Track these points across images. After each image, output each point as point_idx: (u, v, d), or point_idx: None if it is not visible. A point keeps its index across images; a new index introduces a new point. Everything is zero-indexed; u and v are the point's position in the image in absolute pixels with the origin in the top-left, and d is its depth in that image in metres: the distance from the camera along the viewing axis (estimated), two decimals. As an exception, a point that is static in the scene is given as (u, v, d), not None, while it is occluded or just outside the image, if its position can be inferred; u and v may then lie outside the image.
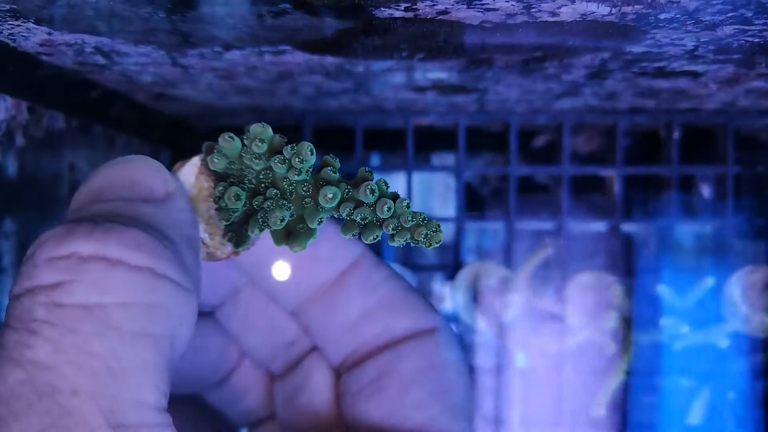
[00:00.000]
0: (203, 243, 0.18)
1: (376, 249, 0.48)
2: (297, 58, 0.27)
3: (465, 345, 0.43)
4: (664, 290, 0.40)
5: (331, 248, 0.20)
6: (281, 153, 0.18)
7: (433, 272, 0.47)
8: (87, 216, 0.15)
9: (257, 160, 0.18)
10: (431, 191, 0.50)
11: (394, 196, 0.18)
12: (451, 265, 0.42)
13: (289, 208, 0.18)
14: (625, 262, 0.42)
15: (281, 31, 0.23)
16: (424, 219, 0.18)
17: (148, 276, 0.14)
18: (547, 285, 0.41)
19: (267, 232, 0.18)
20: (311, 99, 0.38)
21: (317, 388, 0.21)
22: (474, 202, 0.49)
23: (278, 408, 0.22)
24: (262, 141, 0.18)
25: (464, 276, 0.41)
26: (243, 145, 0.18)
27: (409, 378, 0.19)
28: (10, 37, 0.25)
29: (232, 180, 0.18)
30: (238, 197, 0.18)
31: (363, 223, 0.18)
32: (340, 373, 0.21)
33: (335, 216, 0.18)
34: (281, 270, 0.21)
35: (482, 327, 0.41)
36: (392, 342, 0.20)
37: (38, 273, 0.14)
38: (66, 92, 0.31)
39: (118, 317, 0.14)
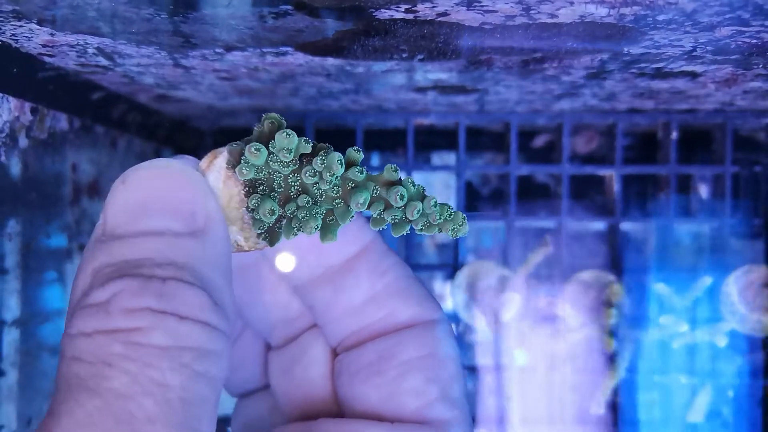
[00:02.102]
0: (237, 244, 0.19)
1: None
2: (298, 59, 0.27)
3: (465, 344, 0.43)
4: (662, 289, 0.41)
5: (344, 232, 0.21)
6: (310, 163, 0.18)
7: (433, 271, 0.48)
8: (142, 260, 0.16)
9: (285, 168, 0.18)
10: (432, 190, 0.50)
11: (422, 196, 0.18)
12: (450, 265, 0.43)
13: (321, 213, 0.18)
14: (624, 261, 0.42)
15: (282, 32, 0.24)
16: (450, 215, 0.18)
17: (207, 329, 0.16)
18: (547, 284, 0.41)
19: None
20: (312, 100, 0.38)
21: (314, 361, 0.22)
22: (474, 201, 0.49)
23: (272, 378, 0.23)
24: (289, 151, 0.18)
25: (464, 275, 0.41)
26: (269, 152, 0.18)
27: (409, 364, 0.20)
28: (12, 38, 0.25)
29: (262, 189, 0.18)
30: (272, 212, 0.18)
31: (394, 221, 0.18)
32: (337, 352, 0.21)
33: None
34: (293, 248, 0.21)
35: (482, 326, 0.41)
36: (394, 328, 0.21)
37: (114, 319, 0.15)
38: (69, 93, 0.31)
39: (187, 358, 0.15)
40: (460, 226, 0.18)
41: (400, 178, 0.19)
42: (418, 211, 0.18)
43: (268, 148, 0.18)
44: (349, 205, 0.18)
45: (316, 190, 0.18)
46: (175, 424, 0.15)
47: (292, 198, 0.18)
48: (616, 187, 0.42)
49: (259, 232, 0.18)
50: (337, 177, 0.18)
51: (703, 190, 0.44)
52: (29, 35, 0.24)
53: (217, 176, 0.18)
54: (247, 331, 0.24)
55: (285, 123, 0.19)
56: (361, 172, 0.18)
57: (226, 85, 0.33)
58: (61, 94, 0.31)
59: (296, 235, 0.18)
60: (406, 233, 0.19)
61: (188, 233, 0.17)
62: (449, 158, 0.49)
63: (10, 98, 0.27)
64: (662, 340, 0.41)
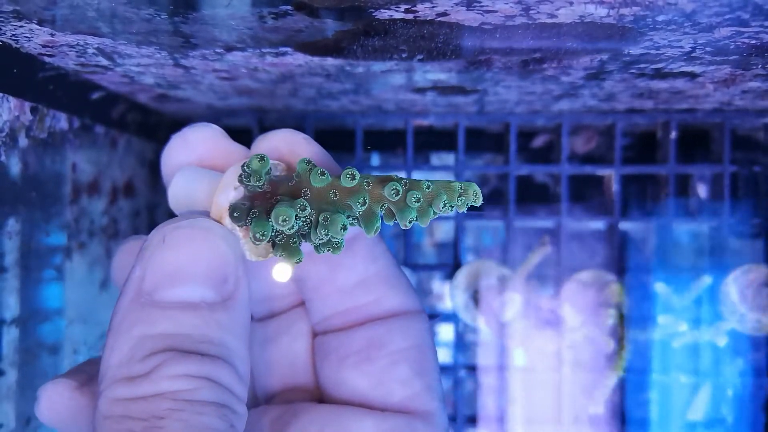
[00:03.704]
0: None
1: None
2: (298, 59, 0.27)
3: (464, 344, 0.43)
4: (661, 289, 0.41)
5: None
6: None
7: (432, 271, 0.48)
8: (181, 336, 0.18)
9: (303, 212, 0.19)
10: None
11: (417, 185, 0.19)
12: (450, 264, 0.43)
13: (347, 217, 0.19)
14: (623, 261, 0.42)
15: (282, 32, 0.24)
16: (461, 189, 0.19)
17: (235, 399, 0.18)
18: (546, 284, 0.42)
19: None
20: (312, 100, 0.38)
21: (299, 335, 0.22)
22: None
23: (252, 349, 0.23)
24: (289, 212, 0.18)
25: (463, 275, 0.41)
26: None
27: (399, 354, 0.20)
28: (12, 38, 0.25)
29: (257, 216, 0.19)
30: (286, 220, 0.18)
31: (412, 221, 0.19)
32: (316, 330, 0.22)
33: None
34: None
35: (481, 326, 0.41)
36: (381, 315, 0.21)
37: (161, 385, 0.17)
38: (68, 93, 0.31)
39: (227, 412, 0.17)
40: (471, 194, 0.19)
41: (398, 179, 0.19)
42: (416, 199, 0.19)
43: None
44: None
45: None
46: None
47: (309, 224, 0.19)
48: (615, 187, 0.42)
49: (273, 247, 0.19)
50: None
51: (703, 190, 0.44)
52: (29, 35, 0.24)
53: (229, 190, 0.19)
54: None
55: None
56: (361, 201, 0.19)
57: (226, 85, 0.33)
58: (61, 94, 0.31)
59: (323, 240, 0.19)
60: (407, 226, 0.19)
61: (221, 302, 0.18)
62: (448, 159, 0.49)
63: (10, 98, 0.27)
64: (662, 340, 0.41)
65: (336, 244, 0.18)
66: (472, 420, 0.42)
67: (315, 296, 0.22)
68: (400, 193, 0.18)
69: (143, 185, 0.43)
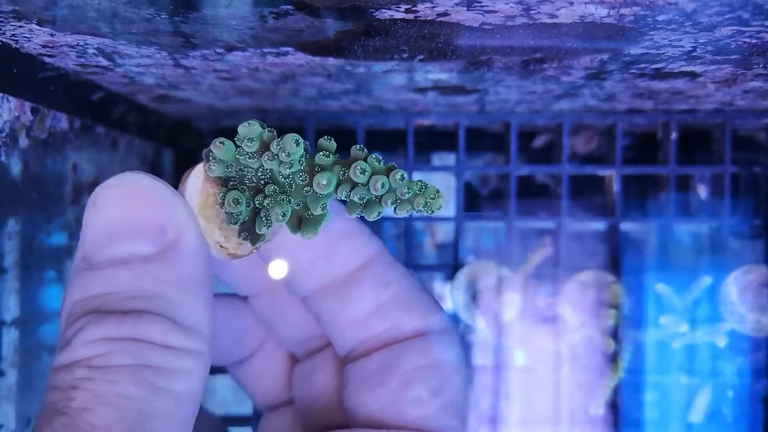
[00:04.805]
0: (221, 246, 0.19)
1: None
2: (299, 59, 0.27)
3: (465, 344, 0.43)
4: (662, 289, 0.41)
5: (350, 245, 0.21)
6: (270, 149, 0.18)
7: (432, 272, 0.48)
8: (110, 294, 0.17)
9: (251, 159, 0.18)
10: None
11: (389, 169, 0.18)
12: (450, 265, 0.43)
13: (289, 201, 0.18)
14: (624, 262, 0.42)
15: (283, 32, 0.24)
16: (421, 188, 0.18)
17: (170, 350, 0.17)
18: (547, 284, 0.41)
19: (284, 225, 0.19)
20: (313, 100, 0.38)
21: (330, 373, 0.22)
22: (474, 201, 0.49)
23: (295, 389, 0.23)
24: (251, 140, 0.18)
25: (464, 276, 0.41)
26: (237, 146, 0.18)
27: (413, 373, 0.20)
28: (12, 38, 0.25)
29: (233, 183, 0.18)
30: (237, 201, 0.18)
31: (363, 202, 0.18)
32: (345, 362, 0.22)
33: (336, 199, 0.18)
34: (301, 261, 0.21)
35: (481, 326, 0.41)
36: (400, 339, 0.21)
37: (75, 351, 0.16)
38: (69, 93, 0.31)
39: (149, 374, 0.16)
40: (432, 199, 0.18)
41: (366, 156, 0.18)
42: (383, 184, 0.17)
43: (235, 143, 0.18)
44: (317, 191, 0.18)
45: (282, 179, 0.18)
46: None
47: (262, 189, 0.18)
48: (615, 187, 0.42)
49: (233, 226, 0.18)
50: (301, 160, 0.18)
51: (703, 190, 0.44)
52: (29, 36, 0.24)
53: (195, 179, 0.18)
54: (269, 343, 0.24)
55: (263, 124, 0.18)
56: (327, 156, 0.18)
57: (227, 85, 0.33)
58: (61, 95, 0.31)
59: (268, 227, 0.18)
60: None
61: (157, 254, 0.17)
62: (449, 159, 0.49)
63: (11, 98, 0.27)
64: (662, 340, 0.41)
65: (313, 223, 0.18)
66: (472, 420, 0.42)
67: (333, 331, 0.22)
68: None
69: (143, 186, 0.42)
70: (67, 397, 0.16)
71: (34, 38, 0.25)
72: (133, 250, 0.17)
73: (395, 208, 0.18)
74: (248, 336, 0.24)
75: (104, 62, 0.28)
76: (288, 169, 0.18)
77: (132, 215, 0.17)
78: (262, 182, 0.18)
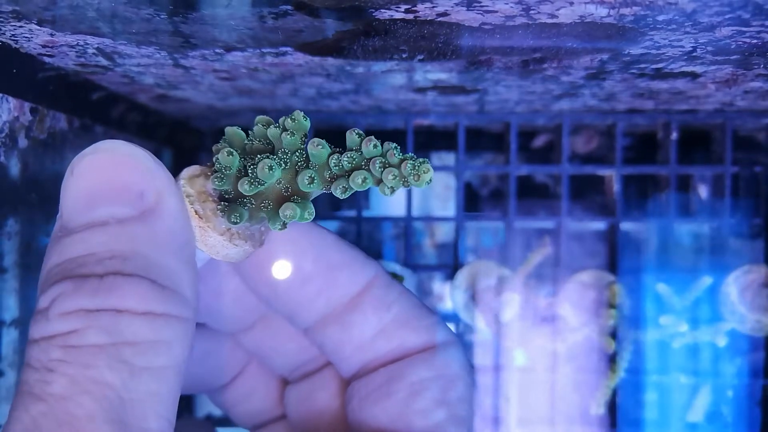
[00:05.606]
0: (199, 217, 0.18)
1: (377, 249, 0.49)
2: (298, 59, 0.27)
3: (465, 345, 0.43)
4: (662, 289, 0.41)
5: (348, 273, 0.21)
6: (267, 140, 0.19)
7: (432, 272, 0.48)
8: (85, 257, 0.16)
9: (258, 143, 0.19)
10: (431, 191, 0.50)
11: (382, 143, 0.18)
12: (450, 265, 0.43)
13: (279, 163, 0.18)
14: (624, 262, 0.42)
15: (282, 32, 0.24)
16: (411, 157, 0.17)
17: (150, 318, 0.16)
18: (546, 284, 0.41)
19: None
20: (312, 100, 0.38)
21: (331, 394, 0.22)
22: (473, 201, 0.49)
23: (290, 410, 0.23)
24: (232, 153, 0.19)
25: (463, 275, 0.41)
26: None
27: (418, 385, 0.20)
28: (12, 38, 0.25)
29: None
30: (230, 153, 0.18)
31: (350, 168, 0.18)
32: (350, 381, 0.22)
33: (325, 175, 0.18)
34: (299, 292, 0.21)
35: (481, 326, 0.41)
36: (406, 355, 0.21)
37: (52, 325, 0.15)
38: (68, 93, 0.31)
39: (127, 353, 0.15)
40: (420, 164, 0.17)
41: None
42: (375, 145, 0.17)
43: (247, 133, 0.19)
44: (308, 162, 0.18)
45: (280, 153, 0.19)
46: (116, 421, 0.15)
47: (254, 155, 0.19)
48: (615, 187, 0.42)
49: (219, 189, 0.18)
50: (302, 130, 0.18)
51: (703, 190, 0.44)
52: (29, 36, 0.24)
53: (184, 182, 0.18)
54: (252, 365, 0.24)
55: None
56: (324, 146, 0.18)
57: (226, 85, 0.33)
58: (60, 95, 0.31)
59: (253, 185, 0.18)
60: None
61: (136, 216, 0.17)
62: (449, 159, 0.49)
63: (10, 98, 0.27)
64: (662, 340, 0.41)
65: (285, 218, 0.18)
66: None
67: (338, 358, 0.21)
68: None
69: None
70: (44, 380, 0.15)
71: (34, 38, 0.25)
72: (112, 213, 0.17)
73: (380, 181, 0.18)
74: (229, 363, 0.24)
75: (104, 62, 0.28)
76: (289, 137, 0.18)
77: (111, 181, 0.17)
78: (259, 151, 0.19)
